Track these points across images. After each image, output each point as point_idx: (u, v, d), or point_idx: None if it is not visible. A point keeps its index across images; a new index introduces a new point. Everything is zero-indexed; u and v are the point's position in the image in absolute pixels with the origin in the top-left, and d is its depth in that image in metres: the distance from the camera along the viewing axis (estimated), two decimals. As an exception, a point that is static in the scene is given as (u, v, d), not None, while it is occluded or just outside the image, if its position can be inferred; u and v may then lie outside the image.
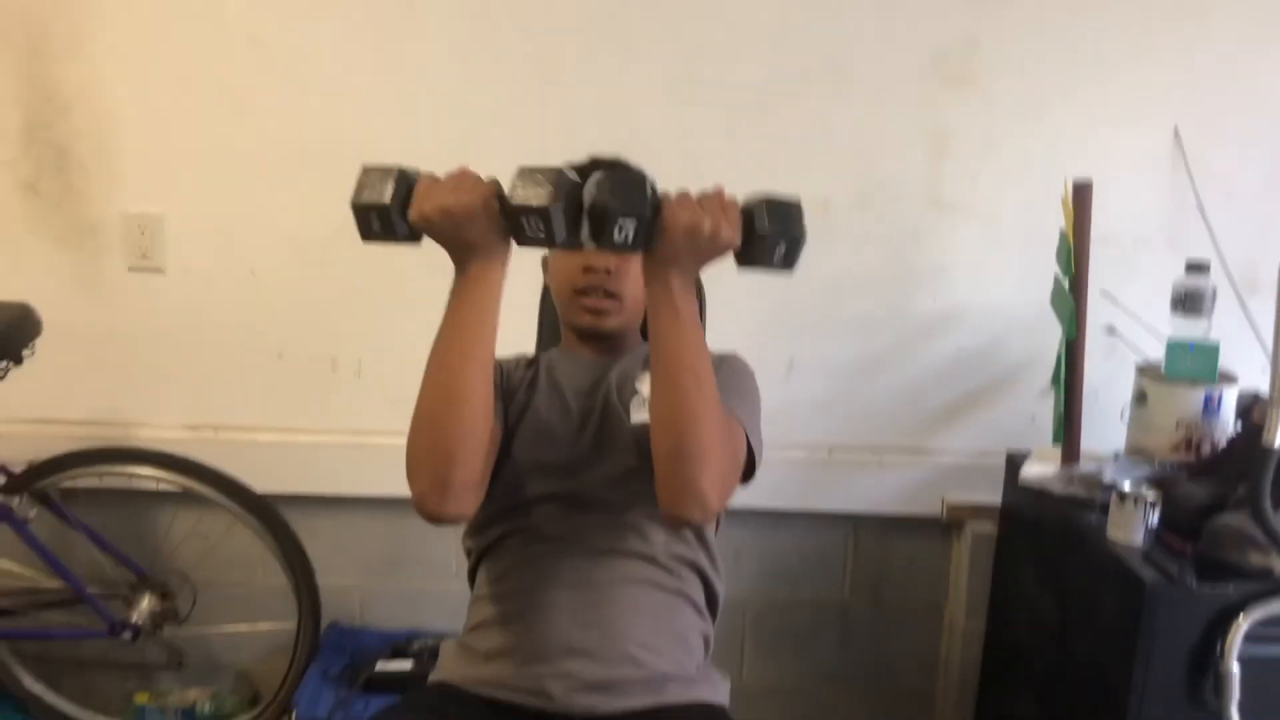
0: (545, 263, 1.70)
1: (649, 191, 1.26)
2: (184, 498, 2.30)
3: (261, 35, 2.18)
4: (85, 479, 2.25)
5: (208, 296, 2.31)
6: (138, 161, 2.26)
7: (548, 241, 1.26)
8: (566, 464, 1.50)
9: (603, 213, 1.24)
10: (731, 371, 1.55)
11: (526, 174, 1.24)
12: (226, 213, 2.27)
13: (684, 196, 1.27)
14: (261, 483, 2.29)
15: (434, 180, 1.28)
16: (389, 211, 1.28)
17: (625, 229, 1.24)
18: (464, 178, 1.27)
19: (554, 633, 1.41)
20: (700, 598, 1.52)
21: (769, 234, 1.27)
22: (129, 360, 2.33)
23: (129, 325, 2.32)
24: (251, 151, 2.24)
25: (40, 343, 2.12)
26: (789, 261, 1.30)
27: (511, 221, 1.25)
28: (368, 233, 1.31)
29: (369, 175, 1.30)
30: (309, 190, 2.23)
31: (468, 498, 1.33)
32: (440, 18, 2.19)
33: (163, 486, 2.27)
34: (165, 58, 2.20)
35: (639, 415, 1.50)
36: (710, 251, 1.27)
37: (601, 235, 1.25)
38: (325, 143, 2.21)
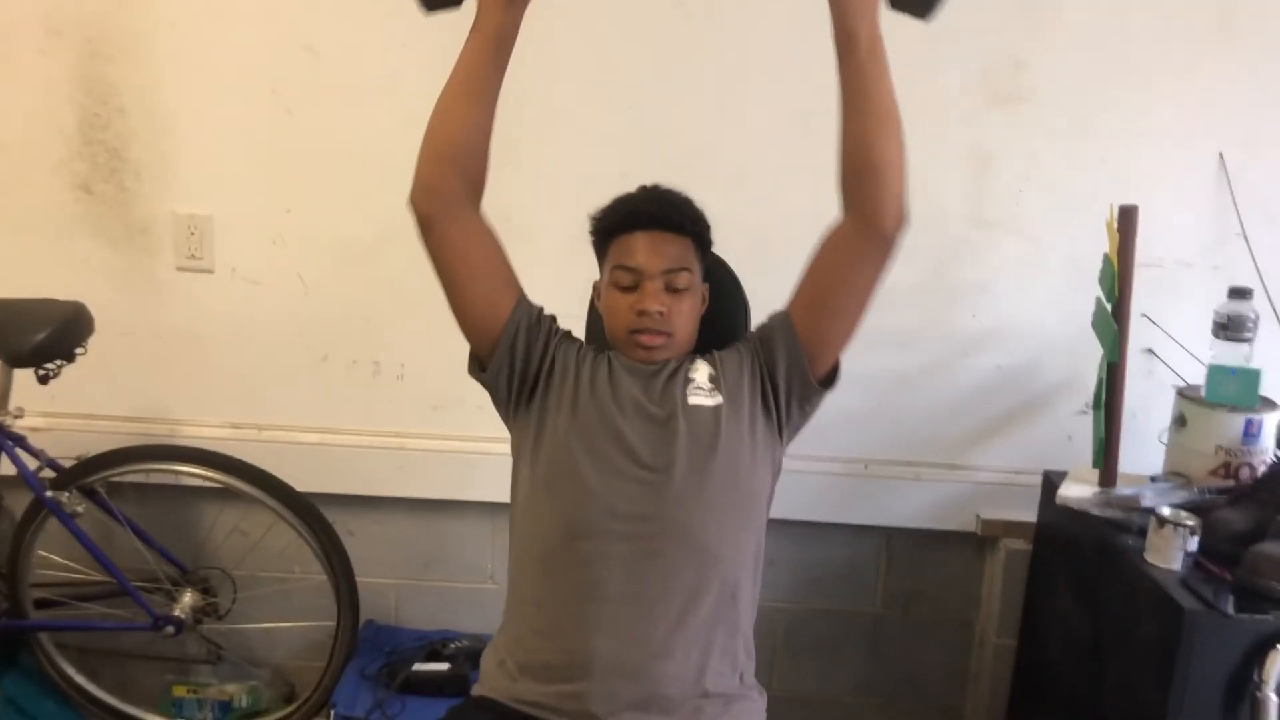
0: (595, 288, 1.72)
1: None
2: (227, 495, 2.33)
3: (316, 43, 2.22)
4: (131, 475, 2.28)
5: (254, 298, 2.34)
6: (190, 163, 2.29)
7: None
8: (627, 451, 1.52)
9: None
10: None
11: None
12: (275, 216, 2.30)
13: None
14: (303, 482, 2.32)
15: None
16: None
17: None
18: None
19: (600, 651, 1.44)
20: (746, 613, 1.54)
21: None
22: (176, 359, 2.37)
23: (177, 324, 2.36)
24: (302, 157, 2.27)
25: (91, 340, 2.16)
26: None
27: None
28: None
29: None
30: (357, 196, 2.27)
31: (454, 183, 1.49)
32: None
33: (207, 484, 2.30)
34: (221, 63, 2.24)
35: (695, 399, 1.56)
36: None
37: None
38: (375, 150, 2.24)
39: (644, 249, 1.60)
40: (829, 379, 1.61)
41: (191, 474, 2.28)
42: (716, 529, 1.50)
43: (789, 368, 1.58)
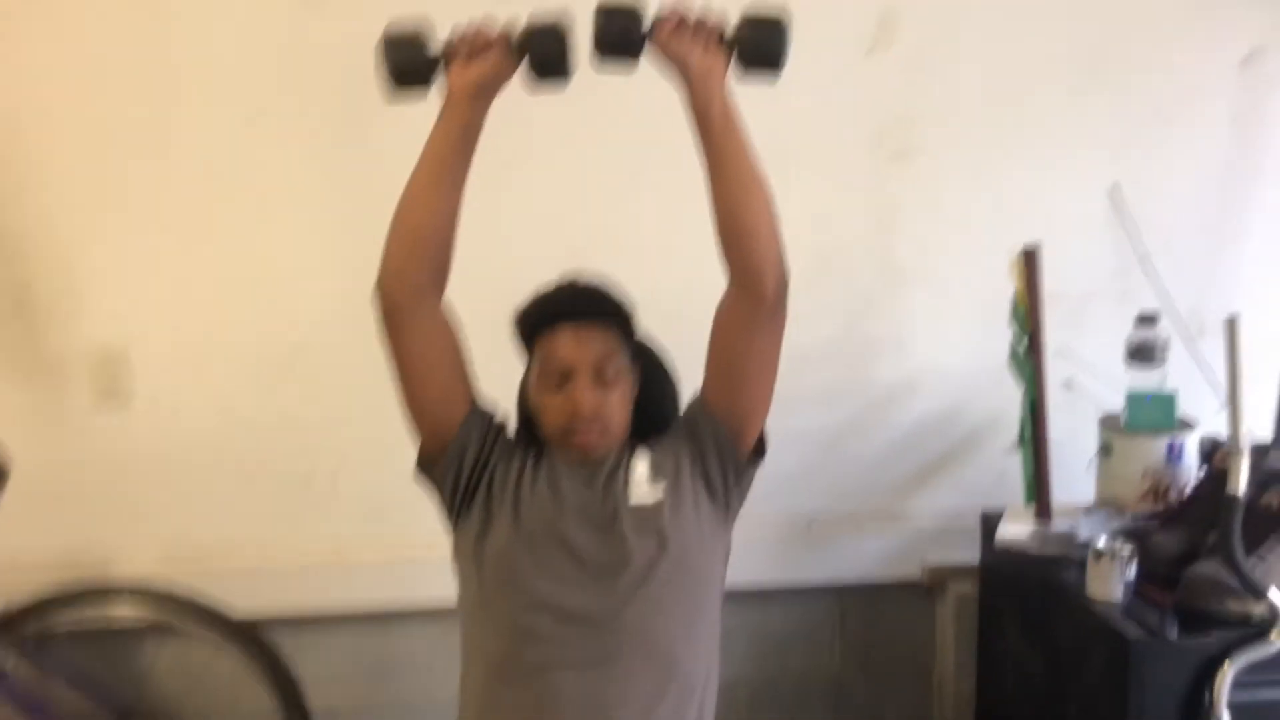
0: (523, 390, 1.71)
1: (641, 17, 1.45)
2: (164, 631, 2.27)
3: (213, 163, 2.21)
4: (62, 622, 2.21)
5: (176, 424, 2.30)
6: (98, 295, 2.26)
7: (557, 62, 1.46)
8: (572, 556, 1.50)
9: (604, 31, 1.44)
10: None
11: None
12: (190, 339, 2.27)
13: (667, 21, 1.44)
14: (243, 607, 2.26)
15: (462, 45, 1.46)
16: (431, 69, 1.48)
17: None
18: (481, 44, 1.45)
19: None
20: (708, 703, 1.52)
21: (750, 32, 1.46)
22: (101, 495, 2.31)
23: (99, 460, 2.30)
24: (214, 278, 2.25)
25: (10, 484, 2.10)
26: (778, 53, 1.47)
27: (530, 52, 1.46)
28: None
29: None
30: (271, 310, 2.25)
31: (422, 270, 1.48)
32: (388, 130, 2.20)
33: (142, 621, 2.23)
34: (120, 190, 2.21)
35: (637, 497, 1.54)
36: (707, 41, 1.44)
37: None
38: (282, 263, 2.24)
39: (569, 344, 1.59)
40: (758, 449, 1.61)
41: (125, 612, 2.21)
42: (670, 628, 1.48)
43: (717, 451, 1.57)
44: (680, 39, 1.44)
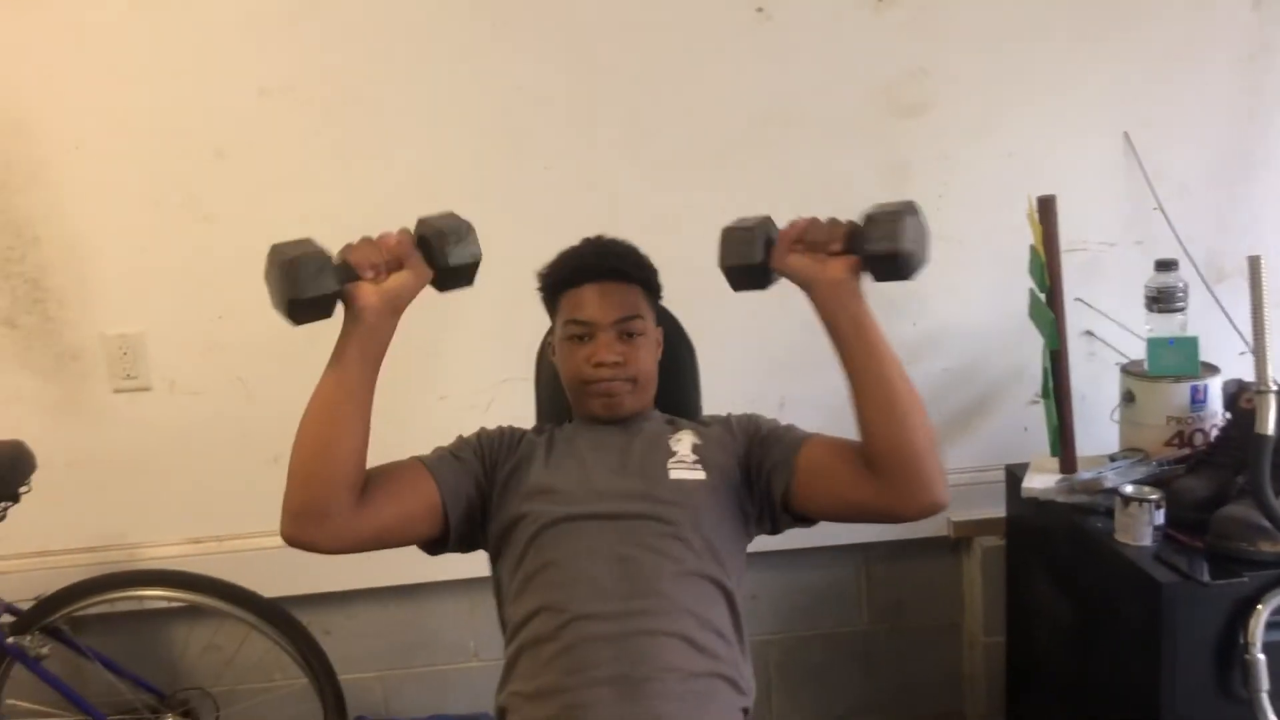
0: (549, 347, 1.71)
1: (761, 241, 1.43)
2: (195, 613, 2.29)
3: (225, 146, 2.20)
4: (94, 607, 2.22)
5: (196, 409, 2.31)
6: (112, 282, 2.26)
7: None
8: (602, 532, 1.49)
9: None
10: (763, 421, 1.63)
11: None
12: (208, 324, 2.27)
13: (786, 237, 1.42)
14: (271, 587, 2.27)
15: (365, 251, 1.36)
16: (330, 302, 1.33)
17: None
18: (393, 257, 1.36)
19: None
20: (734, 671, 1.50)
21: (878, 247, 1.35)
22: (125, 482, 2.32)
23: (121, 447, 2.31)
24: (225, 260, 2.23)
25: (35, 476, 2.11)
26: (915, 262, 1.37)
27: None
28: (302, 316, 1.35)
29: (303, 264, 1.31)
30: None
31: (324, 527, 1.38)
32: (401, 109, 2.21)
33: (173, 604, 2.25)
34: (131, 178, 2.21)
35: (678, 473, 1.53)
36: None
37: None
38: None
39: (594, 301, 1.59)
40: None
41: (155, 596, 2.23)
42: (699, 603, 1.46)
43: (769, 501, 1.55)
44: (798, 255, 1.40)
